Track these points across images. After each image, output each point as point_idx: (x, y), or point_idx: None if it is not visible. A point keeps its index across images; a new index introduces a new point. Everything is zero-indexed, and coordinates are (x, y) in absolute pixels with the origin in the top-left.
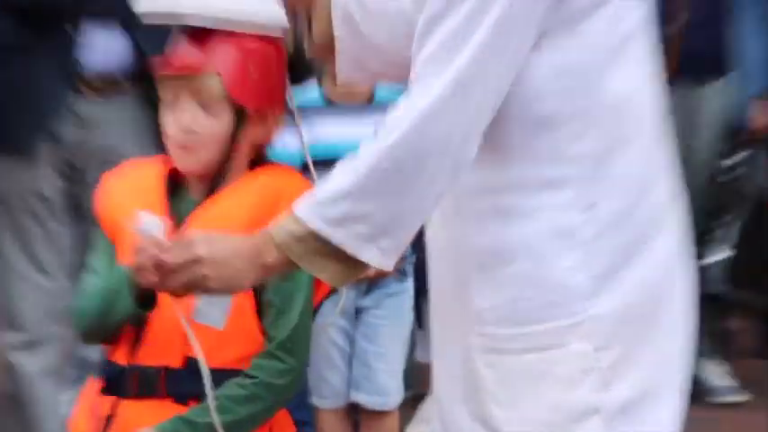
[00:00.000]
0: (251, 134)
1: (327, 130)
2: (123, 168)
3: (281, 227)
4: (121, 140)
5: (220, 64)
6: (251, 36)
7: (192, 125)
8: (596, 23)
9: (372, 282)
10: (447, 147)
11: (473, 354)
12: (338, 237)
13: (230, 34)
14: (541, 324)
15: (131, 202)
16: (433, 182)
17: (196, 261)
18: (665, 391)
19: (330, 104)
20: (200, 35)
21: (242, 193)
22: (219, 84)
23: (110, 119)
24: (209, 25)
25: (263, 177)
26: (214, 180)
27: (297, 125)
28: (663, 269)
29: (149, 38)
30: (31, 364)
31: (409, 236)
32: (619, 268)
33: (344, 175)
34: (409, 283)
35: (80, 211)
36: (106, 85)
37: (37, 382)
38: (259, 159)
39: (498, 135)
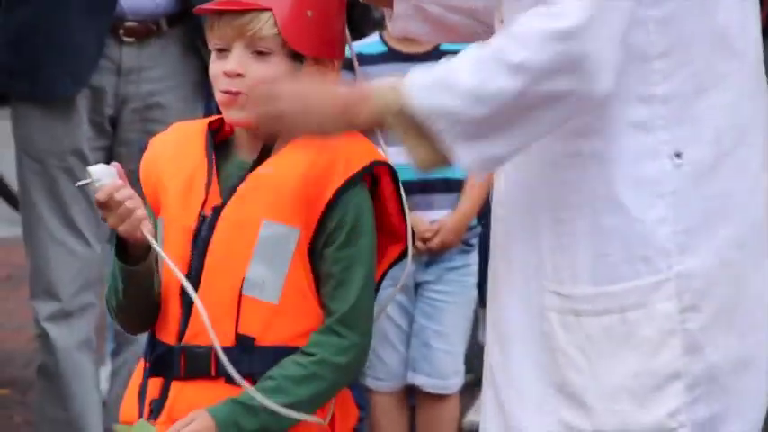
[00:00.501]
0: None
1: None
2: (168, 131)
3: (383, 94)
4: (162, 90)
5: (273, 2)
6: None
7: (240, 69)
8: None
9: (434, 254)
10: (582, 75)
11: (548, 314)
12: (438, 127)
13: None
14: (623, 282)
15: (174, 167)
16: (554, 112)
17: (275, 98)
18: (756, 360)
19: (391, 53)
20: None
21: (297, 153)
22: (272, 24)
23: (149, 66)
24: None
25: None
26: (267, 138)
27: (356, 75)
28: (756, 229)
29: None
30: (67, 337)
31: (510, 153)
32: (710, 223)
33: (468, 73)
34: (474, 257)
35: None
36: (145, 29)
37: (74, 355)
38: None
39: None
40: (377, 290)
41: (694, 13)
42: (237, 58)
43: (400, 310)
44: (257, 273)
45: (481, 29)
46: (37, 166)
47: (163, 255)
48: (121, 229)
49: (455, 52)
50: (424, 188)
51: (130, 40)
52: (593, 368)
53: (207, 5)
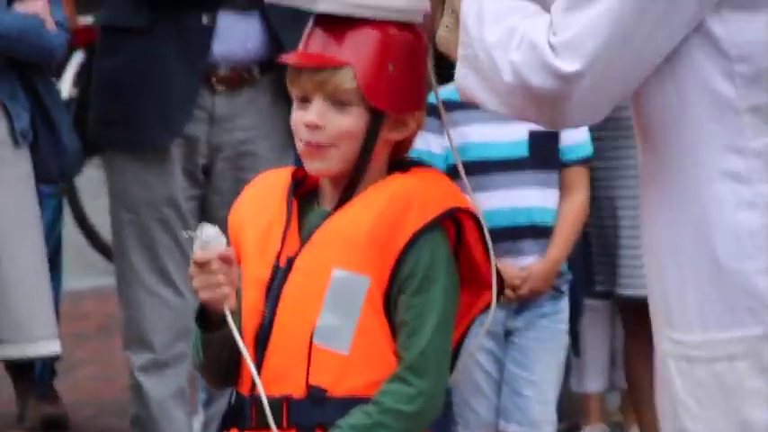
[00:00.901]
0: (388, 135)
1: (470, 130)
2: (254, 180)
3: None
4: (254, 138)
5: (353, 56)
6: (389, 24)
7: (320, 121)
8: None
9: (524, 301)
10: (553, 110)
11: (667, 360)
12: (463, 36)
13: (366, 23)
14: (731, 331)
15: (258, 215)
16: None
17: None
18: None
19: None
20: (334, 24)
21: (372, 200)
22: (352, 78)
23: (241, 114)
24: (339, 11)
25: (396, 182)
26: (347, 187)
27: (442, 125)
28: None
29: (287, 25)
30: (161, 387)
31: (476, 98)
32: None
33: (498, 28)
34: (564, 303)
35: (207, 217)
36: (237, 77)
37: (167, 405)
38: (400, 163)
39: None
40: (464, 337)
41: None
42: (318, 110)
43: (490, 357)
44: (328, 322)
45: None
46: (131, 217)
47: (238, 338)
48: (203, 295)
49: None
50: (512, 235)
51: (222, 88)
52: (706, 416)
53: (288, 58)
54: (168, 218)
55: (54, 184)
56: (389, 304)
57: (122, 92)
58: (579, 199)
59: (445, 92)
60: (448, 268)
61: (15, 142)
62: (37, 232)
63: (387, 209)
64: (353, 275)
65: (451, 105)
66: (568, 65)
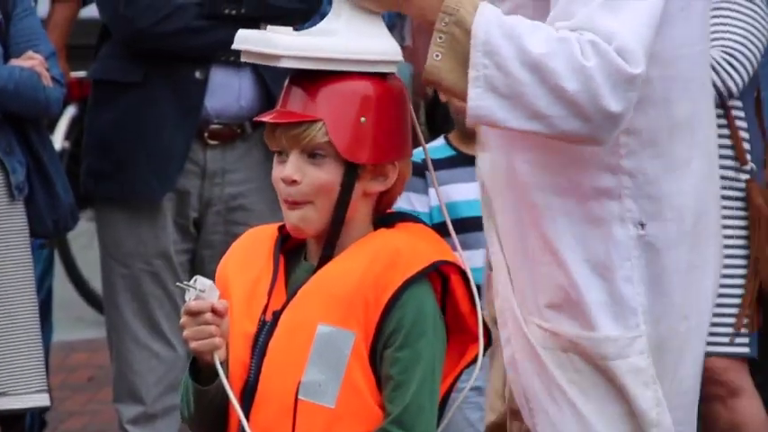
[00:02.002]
0: (367, 187)
1: (454, 189)
2: (243, 235)
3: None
4: (245, 193)
5: (324, 110)
6: (361, 77)
7: (296, 175)
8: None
9: None
10: (610, 126)
11: (539, 350)
12: (477, 58)
13: (337, 77)
14: (600, 332)
15: (245, 269)
16: (555, 129)
17: None
18: None
19: (461, 156)
20: (307, 81)
21: (356, 256)
22: (323, 132)
23: (233, 169)
24: (306, 66)
25: (381, 237)
26: (327, 241)
27: (426, 184)
28: (700, 303)
29: (280, 81)
30: None
31: (503, 124)
32: (664, 292)
33: (539, 42)
34: None
35: (198, 271)
36: (230, 132)
37: None
38: (386, 218)
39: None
40: (451, 389)
41: (657, 105)
42: (294, 165)
43: (479, 410)
44: (313, 377)
45: None
46: (122, 269)
47: (228, 387)
48: (193, 345)
49: None
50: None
51: (215, 143)
52: (588, 401)
53: (262, 117)
54: (159, 271)
55: (48, 237)
56: (375, 358)
57: (115, 145)
58: None
59: (429, 150)
60: (434, 322)
61: (11, 196)
62: (30, 287)
63: (372, 264)
64: (339, 330)
65: (435, 164)
66: (635, 68)
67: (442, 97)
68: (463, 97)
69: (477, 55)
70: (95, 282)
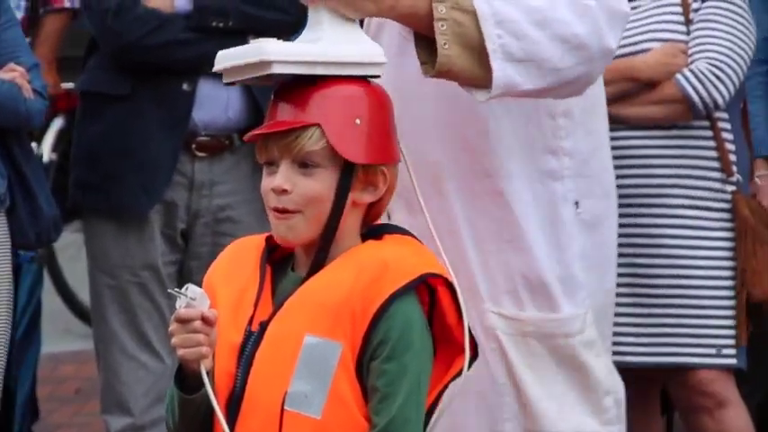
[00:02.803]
0: (357, 197)
1: None
2: (230, 246)
3: None
4: (233, 204)
5: (319, 115)
6: (349, 81)
7: (287, 185)
8: None
9: None
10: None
11: (497, 334)
12: (489, 30)
13: (326, 83)
14: (553, 313)
15: (232, 279)
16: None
17: None
18: None
19: None
20: (296, 90)
21: (344, 267)
22: (317, 138)
23: (221, 181)
24: (298, 71)
25: (369, 249)
26: (318, 252)
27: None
28: (614, 280)
29: (268, 93)
30: None
31: (527, 91)
32: (600, 269)
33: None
34: None
35: (186, 282)
36: (218, 144)
37: None
38: (374, 230)
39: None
40: (438, 400)
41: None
42: (284, 175)
43: None
44: (299, 388)
45: None
46: (110, 281)
47: (212, 397)
48: (181, 352)
49: None
50: None
51: (203, 154)
52: (544, 382)
53: (256, 131)
54: (147, 282)
55: (31, 250)
56: (362, 369)
57: (102, 157)
58: None
59: None
60: (421, 334)
61: None
62: (8, 299)
63: (359, 275)
64: (325, 341)
65: None
66: (625, 5)
67: None
68: (473, 80)
69: (489, 27)
70: (83, 293)
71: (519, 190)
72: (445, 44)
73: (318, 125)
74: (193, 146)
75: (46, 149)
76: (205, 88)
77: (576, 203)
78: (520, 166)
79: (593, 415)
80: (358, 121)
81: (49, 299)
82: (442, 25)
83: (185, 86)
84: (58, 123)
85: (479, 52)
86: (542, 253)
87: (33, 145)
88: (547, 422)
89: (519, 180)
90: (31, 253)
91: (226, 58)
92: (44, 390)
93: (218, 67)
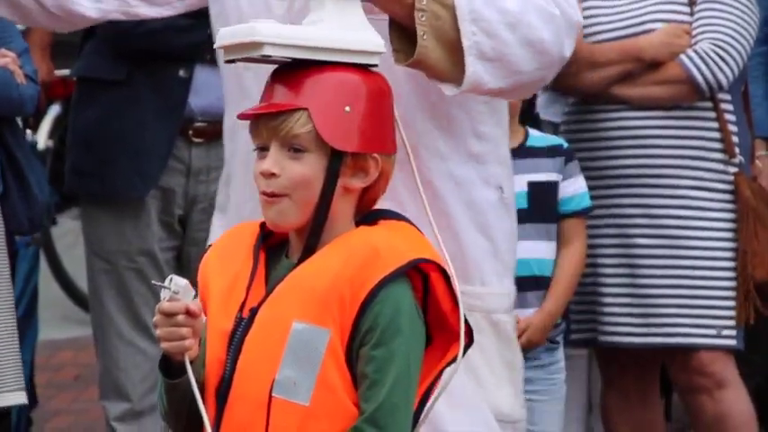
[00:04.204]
0: (348, 183)
1: None
2: (226, 231)
3: None
4: None
5: (308, 99)
6: (344, 67)
7: (274, 168)
8: None
9: None
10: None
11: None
12: (465, 26)
13: (321, 68)
14: (487, 288)
15: (225, 266)
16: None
17: None
18: None
19: None
20: (290, 73)
21: (334, 253)
22: (304, 121)
23: (218, 166)
24: (288, 54)
25: (361, 234)
26: (309, 238)
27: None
28: None
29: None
30: None
31: (492, 90)
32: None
33: (515, 2)
34: (560, 354)
35: (184, 268)
36: (214, 130)
37: None
38: (369, 215)
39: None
40: (431, 388)
41: None
42: (273, 158)
43: None
44: (287, 374)
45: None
46: (107, 267)
47: (195, 389)
48: (165, 345)
49: (543, 149)
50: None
51: (200, 140)
52: (485, 361)
53: (247, 111)
54: (144, 268)
55: (24, 235)
56: (351, 356)
57: (98, 143)
58: (577, 251)
59: None
60: (410, 320)
61: None
62: (5, 283)
63: (349, 260)
64: (313, 328)
65: None
66: (578, 15)
67: None
68: (443, 74)
69: (466, 24)
70: (81, 280)
71: (452, 171)
72: (424, 35)
73: (306, 109)
74: (190, 132)
75: (42, 137)
76: (202, 75)
77: (501, 188)
78: (451, 147)
79: (515, 397)
80: (347, 109)
81: (48, 286)
82: (422, 16)
83: (182, 73)
84: (54, 110)
85: (451, 47)
86: (471, 232)
87: (29, 132)
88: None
89: (451, 161)
90: (27, 238)
91: (223, 37)
92: (42, 376)
93: (217, 44)
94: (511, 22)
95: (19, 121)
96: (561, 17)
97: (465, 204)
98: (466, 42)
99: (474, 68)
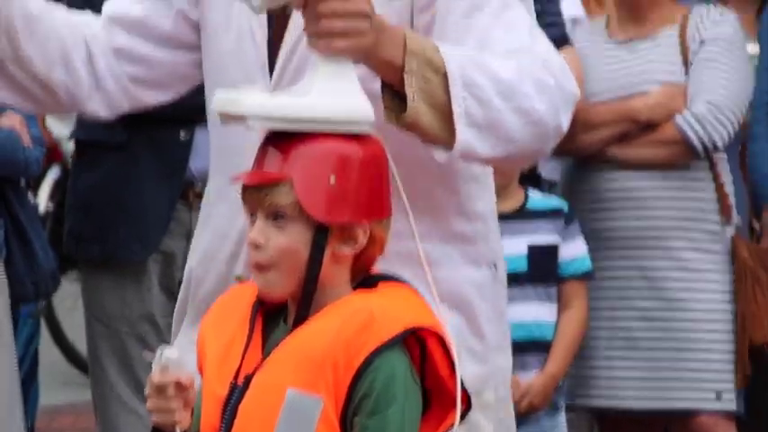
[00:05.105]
0: (336, 250)
1: None
2: (224, 294)
3: (420, 38)
4: None
5: (293, 170)
6: (332, 136)
7: (260, 238)
8: None
9: (521, 417)
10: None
11: None
12: (456, 91)
13: (308, 137)
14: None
15: (222, 329)
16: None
17: (365, 15)
18: None
19: None
20: (279, 141)
21: (329, 318)
22: (288, 192)
23: None
24: (271, 127)
25: (356, 299)
26: (300, 305)
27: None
28: None
29: None
30: None
31: (485, 159)
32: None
33: (507, 68)
34: (561, 418)
35: None
36: None
37: None
38: (368, 279)
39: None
40: None
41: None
42: (259, 227)
43: None
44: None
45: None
46: (107, 332)
47: None
48: (155, 418)
49: (543, 211)
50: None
51: (200, 203)
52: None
53: (235, 177)
54: (145, 333)
55: (29, 302)
56: (346, 423)
57: (98, 207)
58: (578, 314)
59: None
60: (405, 388)
61: None
62: (9, 352)
63: (344, 326)
64: (306, 396)
65: None
66: (575, 87)
67: None
68: (435, 138)
69: (457, 89)
70: (81, 344)
71: (435, 249)
72: (413, 97)
73: (290, 180)
74: (190, 195)
75: (42, 199)
76: (202, 137)
77: (495, 265)
78: (438, 227)
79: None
80: (332, 179)
81: (48, 350)
82: (412, 78)
83: (182, 135)
84: (54, 173)
85: (442, 112)
86: (454, 311)
87: (29, 196)
88: None
89: (436, 240)
90: (30, 307)
91: (215, 103)
92: None
93: (214, 108)
94: (504, 90)
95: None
96: (557, 88)
97: (444, 282)
98: (456, 108)
99: (465, 135)
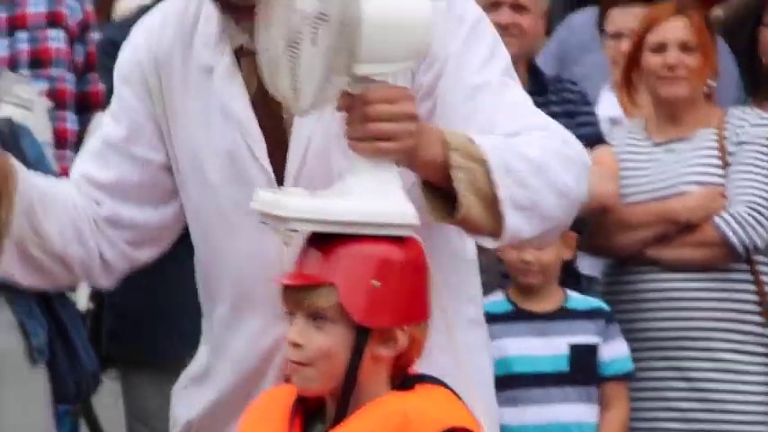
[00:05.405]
0: (375, 351)
1: (509, 343)
2: (260, 396)
3: (457, 134)
4: None
5: (335, 274)
6: (375, 240)
7: (300, 339)
8: None
9: None
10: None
11: None
12: (500, 178)
13: (351, 240)
14: None
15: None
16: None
17: (413, 118)
18: None
19: (518, 312)
20: (321, 243)
21: (365, 419)
22: (329, 295)
23: None
24: (313, 229)
25: (393, 400)
26: (339, 406)
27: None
28: None
29: None
30: None
31: (529, 238)
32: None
33: (532, 147)
34: None
35: None
36: None
37: None
38: (407, 380)
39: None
40: None
41: None
42: (298, 328)
43: None
44: None
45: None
46: (148, 431)
47: None
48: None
49: (582, 311)
50: None
51: None
52: None
53: (278, 278)
54: None
55: (70, 404)
56: None
57: (135, 307)
58: (619, 415)
59: (487, 304)
60: None
61: (32, 360)
62: None
63: (379, 427)
64: None
65: (491, 318)
66: (588, 159)
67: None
68: (483, 229)
69: (500, 176)
70: None
71: (444, 342)
72: (464, 192)
73: (333, 284)
74: None
75: (82, 298)
76: None
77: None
78: (445, 313)
79: None
80: (376, 283)
81: None
82: (459, 173)
83: None
84: None
85: (486, 200)
86: (471, 394)
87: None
88: None
89: (449, 331)
90: (66, 407)
91: (257, 203)
92: None
93: (252, 206)
94: (534, 169)
95: None
96: (577, 159)
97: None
98: (502, 194)
99: (513, 219)
